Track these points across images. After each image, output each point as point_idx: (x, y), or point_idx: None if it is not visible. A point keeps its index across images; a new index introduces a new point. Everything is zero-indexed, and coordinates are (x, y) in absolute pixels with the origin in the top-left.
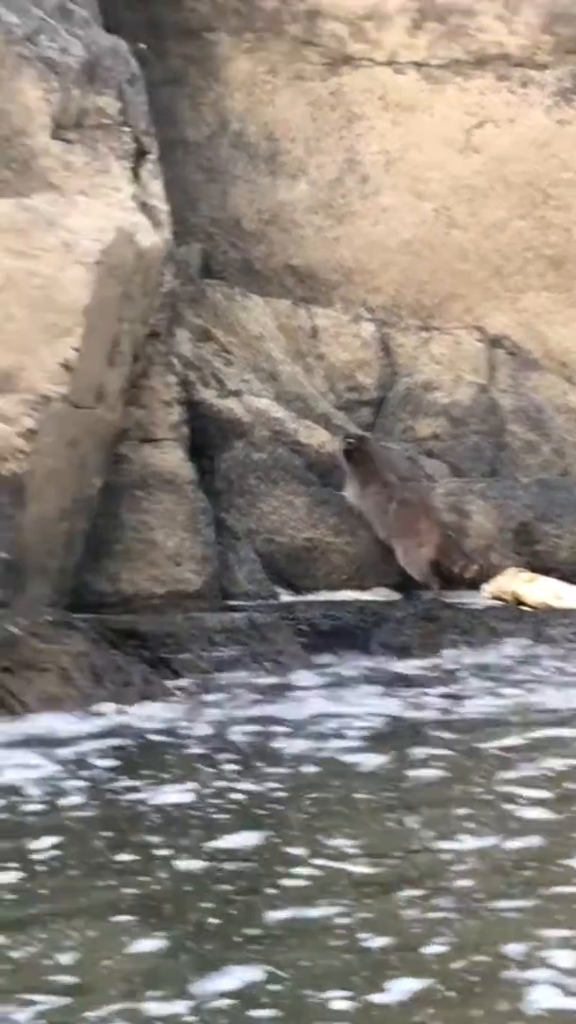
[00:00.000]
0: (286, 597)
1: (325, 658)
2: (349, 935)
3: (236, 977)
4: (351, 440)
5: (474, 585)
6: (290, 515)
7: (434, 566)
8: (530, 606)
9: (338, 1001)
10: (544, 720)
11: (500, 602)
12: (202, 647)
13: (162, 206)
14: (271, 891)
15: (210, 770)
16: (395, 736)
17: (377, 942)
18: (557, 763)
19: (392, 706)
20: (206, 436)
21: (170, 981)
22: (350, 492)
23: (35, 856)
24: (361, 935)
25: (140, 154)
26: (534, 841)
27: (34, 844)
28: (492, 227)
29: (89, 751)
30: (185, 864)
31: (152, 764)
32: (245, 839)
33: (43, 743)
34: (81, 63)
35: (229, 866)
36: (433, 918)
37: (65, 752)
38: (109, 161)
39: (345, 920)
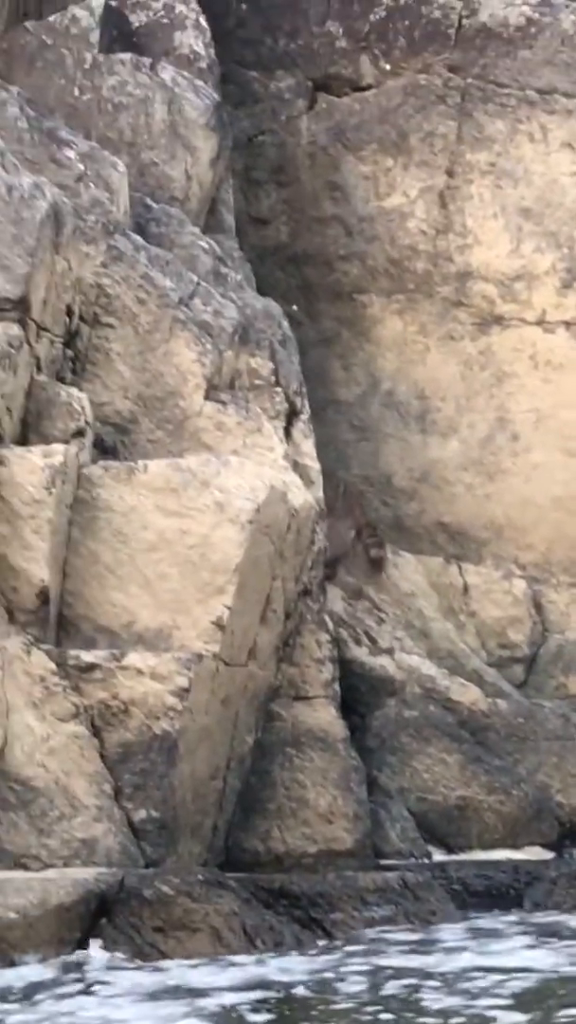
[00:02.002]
0: (439, 856)
1: (477, 913)
2: None
3: None
4: None
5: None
6: (443, 773)
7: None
8: None
9: None
10: None
11: None
12: (354, 907)
13: (314, 464)
14: None
15: None
16: (548, 993)
17: None
18: None
19: (545, 961)
20: (358, 693)
21: None
22: None
23: None
24: None
25: (292, 414)
26: None
27: None
28: None
29: (239, 1003)
30: None
31: (305, 1020)
32: None
33: (191, 994)
34: (234, 325)
35: None
36: None
37: (214, 1006)
38: (261, 421)
39: None
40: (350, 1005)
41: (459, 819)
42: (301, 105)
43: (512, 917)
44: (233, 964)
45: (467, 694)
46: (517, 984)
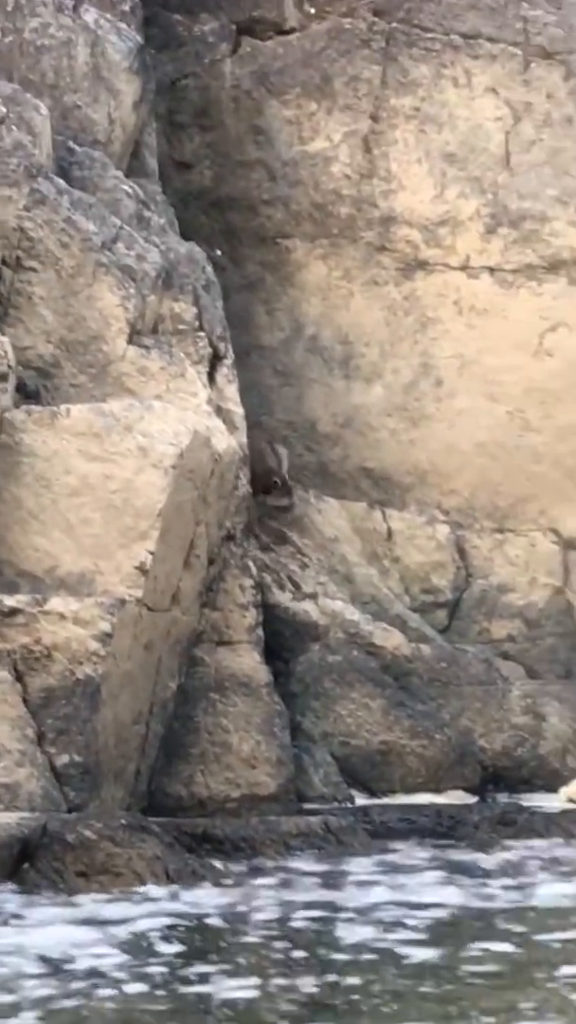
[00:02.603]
0: (361, 800)
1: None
2: None
3: None
4: None
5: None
6: (366, 718)
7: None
8: None
9: None
10: None
11: None
12: (277, 851)
13: (238, 410)
14: None
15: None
16: (458, 926)
17: None
18: None
19: (455, 896)
20: (281, 639)
21: None
22: None
23: None
24: None
25: (216, 358)
26: None
27: None
28: (566, 430)
29: (149, 930)
30: None
31: (216, 951)
32: None
33: (104, 923)
34: (157, 270)
35: None
36: None
37: (126, 935)
38: (185, 366)
39: None
40: (258, 939)
41: (382, 763)
42: (225, 48)
43: (424, 853)
44: (148, 898)
45: (390, 639)
46: (428, 919)
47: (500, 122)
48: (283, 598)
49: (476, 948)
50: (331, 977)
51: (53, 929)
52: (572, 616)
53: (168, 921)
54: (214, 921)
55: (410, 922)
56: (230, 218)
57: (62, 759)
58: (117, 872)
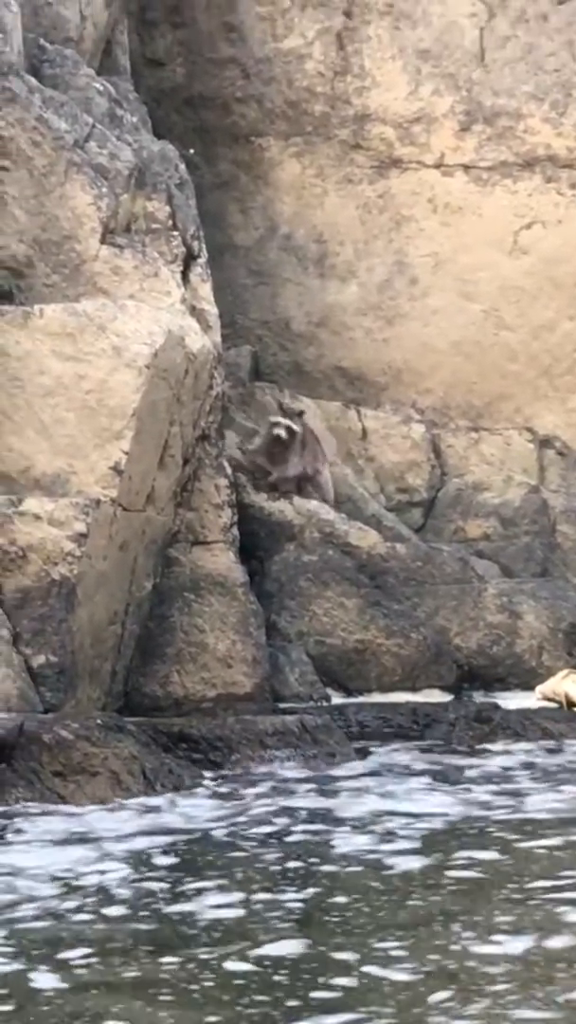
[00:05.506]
0: (337, 699)
1: (377, 754)
2: None
3: None
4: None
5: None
6: (341, 617)
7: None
8: None
9: None
10: None
11: (551, 703)
12: (253, 750)
13: (211, 309)
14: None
15: (263, 872)
16: (446, 836)
17: None
18: None
19: (445, 804)
20: (256, 538)
21: None
22: None
23: (78, 964)
24: None
25: (189, 258)
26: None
27: (75, 952)
28: (541, 328)
29: (146, 848)
30: (233, 967)
31: (208, 865)
32: (293, 945)
33: (102, 839)
34: (130, 168)
35: (274, 973)
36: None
37: (119, 849)
38: (158, 265)
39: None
40: (257, 851)
41: (358, 662)
42: None
43: (410, 755)
44: (147, 808)
45: (366, 538)
46: (417, 824)
47: (475, 18)
48: (258, 498)
49: (462, 854)
50: (318, 887)
51: (49, 846)
52: (547, 514)
53: (166, 833)
54: (211, 834)
55: (401, 832)
56: (203, 116)
57: (38, 659)
58: (94, 772)
